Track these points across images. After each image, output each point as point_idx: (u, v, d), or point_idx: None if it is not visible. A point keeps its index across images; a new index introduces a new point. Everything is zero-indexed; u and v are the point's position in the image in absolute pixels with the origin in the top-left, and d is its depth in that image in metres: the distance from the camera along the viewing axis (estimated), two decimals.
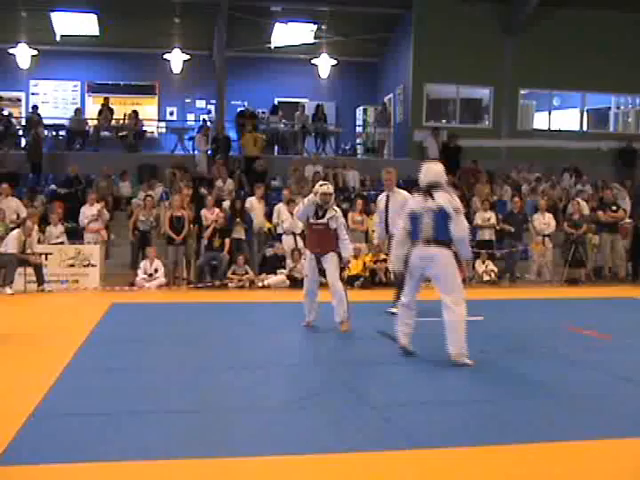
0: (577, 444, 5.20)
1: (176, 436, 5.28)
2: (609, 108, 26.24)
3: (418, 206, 7.90)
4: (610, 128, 26.13)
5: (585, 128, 25.57)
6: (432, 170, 8.03)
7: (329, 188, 10.02)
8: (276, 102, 25.55)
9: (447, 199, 7.82)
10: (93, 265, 15.74)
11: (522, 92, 24.78)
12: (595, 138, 24.52)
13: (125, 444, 5.05)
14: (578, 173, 22.49)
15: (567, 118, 26.09)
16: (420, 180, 8.04)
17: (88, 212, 16.72)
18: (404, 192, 11.65)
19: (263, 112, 25.24)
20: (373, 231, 17.03)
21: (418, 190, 8.06)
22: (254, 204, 17.40)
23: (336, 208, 10.20)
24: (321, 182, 10.51)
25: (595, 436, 5.36)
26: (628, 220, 18.56)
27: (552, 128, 25.30)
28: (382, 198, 11.70)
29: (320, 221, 9.93)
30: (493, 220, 17.72)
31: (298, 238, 16.68)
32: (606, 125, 26.25)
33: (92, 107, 25.70)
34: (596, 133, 25.25)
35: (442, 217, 7.73)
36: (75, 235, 16.74)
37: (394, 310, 11.20)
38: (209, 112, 26.31)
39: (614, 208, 18.14)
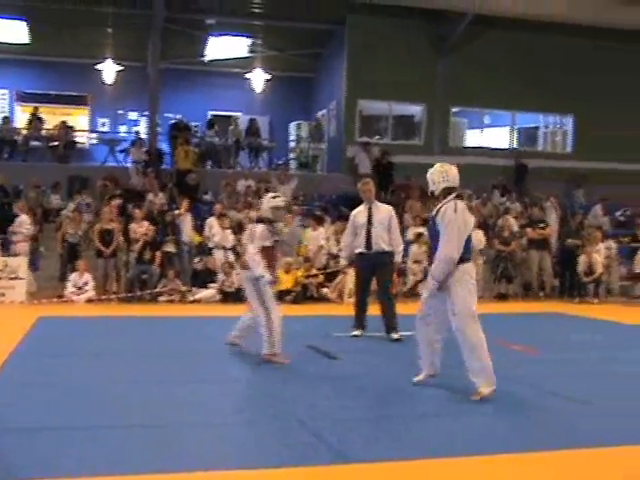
0: (505, 457, 5.26)
1: (100, 452, 5.19)
2: (538, 127, 26.77)
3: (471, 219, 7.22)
4: (539, 147, 26.65)
5: (515, 146, 26.01)
6: (455, 173, 7.31)
7: (283, 201, 9.21)
8: (210, 116, 25.43)
9: None
10: (20, 278, 15.39)
11: (454, 110, 25.13)
12: (525, 156, 24.94)
13: (45, 461, 4.95)
14: (507, 190, 22.84)
15: (498, 136, 26.53)
16: (444, 185, 7.21)
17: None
18: (385, 205, 11.33)
19: (196, 125, 25.09)
20: (306, 245, 17.09)
21: (459, 198, 7.27)
22: (181, 217, 17.25)
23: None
24: (271, 194, 9.58)
25: (522, 449, 5.43)
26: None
27: (483, 145, 25.70)
28: (362, 210, 10.92)
29: (279, 238, 8.97)
30: (425, 236, 17.85)
31: (229, 252, 16.60)
32: (535, 144, 26.76)
33: (21, 116, 25.24)
34: (526, 151, 25.69)
35: None
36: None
37: (357, 333, 10.83)
38: (136, 124, 26.07)
39: (542, 225, 18.47)
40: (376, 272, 10.91)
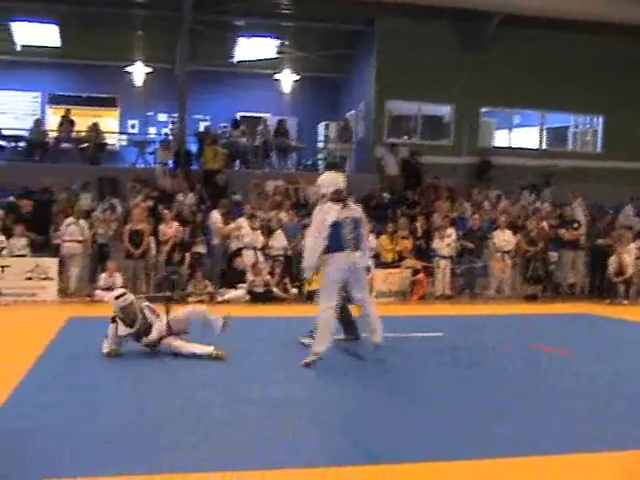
0: (529, 460, 5.29)
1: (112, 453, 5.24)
2: (568, 127, 26.58)
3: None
4: (569, 147, 26.47)
5: (544, 146, 25.85)
6: (340, 180, 8.66)
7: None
8: (238, 117, 25.48)
9: None
10: (51, 278, 15.55)
11: (483, 110, 25.01)
12: (554, 156, 24.79)
13: (87, 459, 5.01)
14: (537, 190, 22.70)
15: (527, 136, 26.38)
16: (332, 188, 8.53)
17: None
18: (355, 205, 10.92)
19: (225, 126, 25.12)
20: None
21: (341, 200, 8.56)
22: (217, 218, 17.23)
23: None
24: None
25: (545, 452, 5.43)
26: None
27: (512, 146, 25.56)
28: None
29: None
30: (454, 236, 17.80)
31: (259, 253, 16.63)
32: (565, 144, 26.58)
33: (52, 119, 25.45)
34: (555, 152, 25.54)
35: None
36: (45, 248, 16.54)
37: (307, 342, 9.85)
38: (173, 123, 26.19)
39: (575, 225, 18.35)
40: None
